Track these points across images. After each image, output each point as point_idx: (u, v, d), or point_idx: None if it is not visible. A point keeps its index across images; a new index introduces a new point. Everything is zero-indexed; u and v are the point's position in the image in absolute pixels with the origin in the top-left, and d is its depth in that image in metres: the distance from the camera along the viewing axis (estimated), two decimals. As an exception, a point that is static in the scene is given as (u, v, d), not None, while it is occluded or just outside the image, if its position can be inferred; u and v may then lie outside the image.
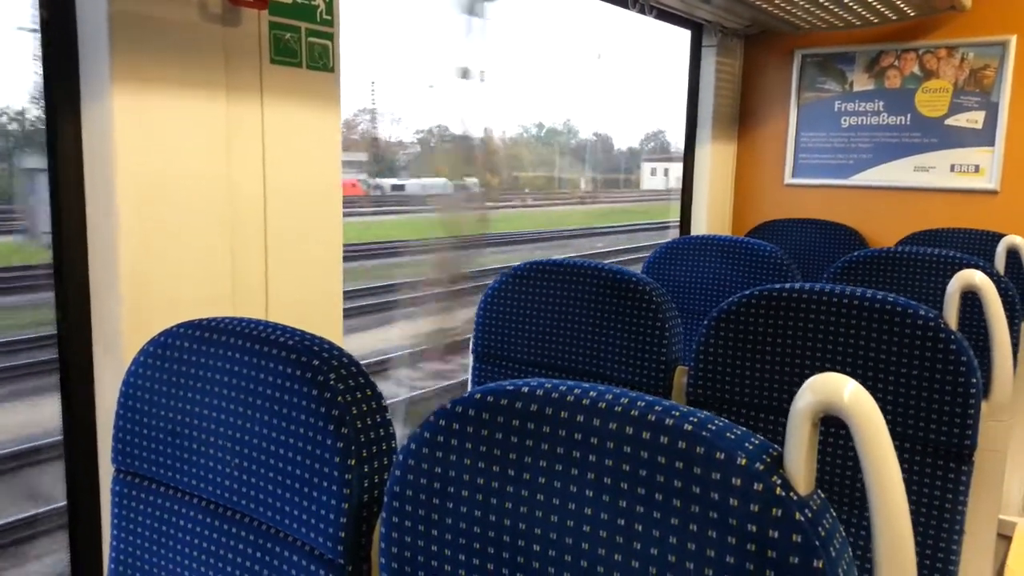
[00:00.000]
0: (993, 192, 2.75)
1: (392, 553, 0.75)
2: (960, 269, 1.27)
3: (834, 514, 0.61)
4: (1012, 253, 1.90)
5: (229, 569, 0.90)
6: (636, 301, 1.48)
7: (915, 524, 1.17)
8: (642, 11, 2.35)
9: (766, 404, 1.27)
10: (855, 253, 1.91)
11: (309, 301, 1.46)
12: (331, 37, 1.43)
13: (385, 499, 0.76)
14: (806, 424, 0.61)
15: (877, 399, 1.19)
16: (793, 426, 0.62)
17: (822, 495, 0.62)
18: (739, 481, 0.59)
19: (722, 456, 0.60)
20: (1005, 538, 1.74)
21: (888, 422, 1.18)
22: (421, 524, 0.74)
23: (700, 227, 3.17)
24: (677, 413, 0.64)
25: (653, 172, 37.27)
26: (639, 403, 0.65)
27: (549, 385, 0.70)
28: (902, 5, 2.50)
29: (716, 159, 3.15)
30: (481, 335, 1.63)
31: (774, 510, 0.58)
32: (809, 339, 1.24)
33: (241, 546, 0.89)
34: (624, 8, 2.32)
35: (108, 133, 1.16)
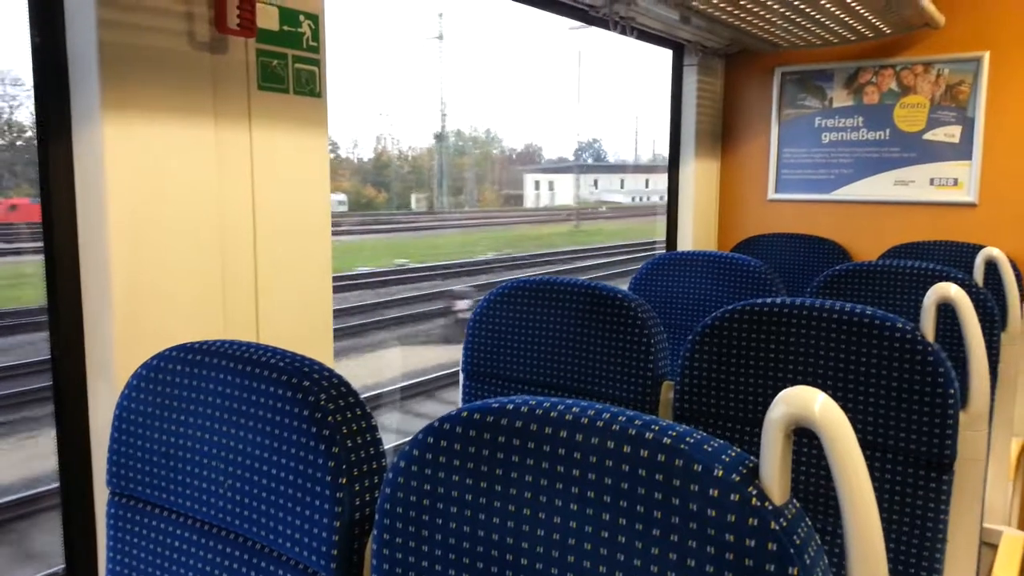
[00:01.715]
0: (972, 205, 2.80)
1: (384, 569, 0.77)
2: (940, 281, 1.30)
3: (809, 523, 0.64)
4: (990, 264, 1.93)
5: None
6: (622, 318, 1.50)
7: (898, 533, 1.20)
8: (623, 32, 2.39)
9: (751, 417, 1.30)
10: (837, 267, 1.94)
11: (299, 323, 1.48)
12: (317, 63, 1.46)
13: (376, 516, 0.78)
14: (779, 436, 0.64)
15: (857, 411, 1.22)
16: (767, 438, 0.64)
17: (797, 504, 0.64)
18: (716, 492, 0.62)
19: (700, 468, 0.63)
20: (991, 547, 1.76)
21: (869, 433, 1.21)
22: (411, 540, 0.75)
23: (686, 243, 3.20)
24: (657, 427, 0.66)
25: (536, 186, 32.79)
26: (620, 418, 0.68)
27: (533, 402, 0.72)
28: (878, 23, 2.55)
29: (700, 176, 3.19)
30: (470, 354, 1.65)
31: (750, 520, 0.60)
32: (791, 352, 1.27)
33: (235, 566, 0.90)
34: (605, 29, 2.36)
35: (99, 159, 1.18)
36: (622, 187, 37.76)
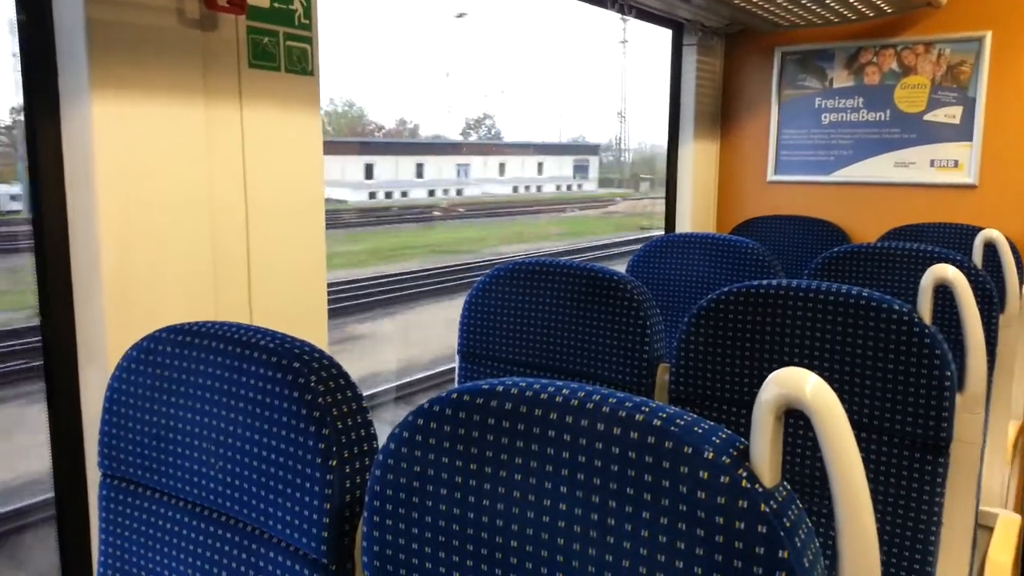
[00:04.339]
0: (972, 186, 2.79)
1: (374, 551, 0.77)
2: (938, 263, 1.29)
3: (800, 505, 0.63)
4: (989, 246, 1.92)
5: (215, 571, 0.91)
6: (618, 300, 1.49)
7: (893, 516, 1.19)
8: (621, 11, 2.36)
9: (747, 400, 1.29)
10: (835, 249, 1.93)
11: (292, 305, 1.47)
12: (309, 41, 1.44)
13: (366, 498, 0.77)
14: (769, 417, 0.63)
15: (853, 393, 1.21)
16: (757, 419, 0.63)
17: (788, 487, 0.63)
18: (706, 474, 0.61)
19: (690, 450, 0.62)
20: (987, 529, 1.76)
21: (865, 415, 1.21)
22: (402, 522, 0.75)
23: (684, 225, 3.19)
24: (647, 409, 0.65)
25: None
26: (610, 399, 0.67)
27: (524, 383, 0.71)
28: (879, 2, 2.52)
29: (699, 157, 3.17)
30: (466, 335, 1.64)
31: (740, 502, 0.60)
32: (787, 334, 1.26)
33: (227, 548, 0.90)
34: (603, 8, 2.33)
35: (88, 138, 1.16)
36: (370, 177, 26.13)
